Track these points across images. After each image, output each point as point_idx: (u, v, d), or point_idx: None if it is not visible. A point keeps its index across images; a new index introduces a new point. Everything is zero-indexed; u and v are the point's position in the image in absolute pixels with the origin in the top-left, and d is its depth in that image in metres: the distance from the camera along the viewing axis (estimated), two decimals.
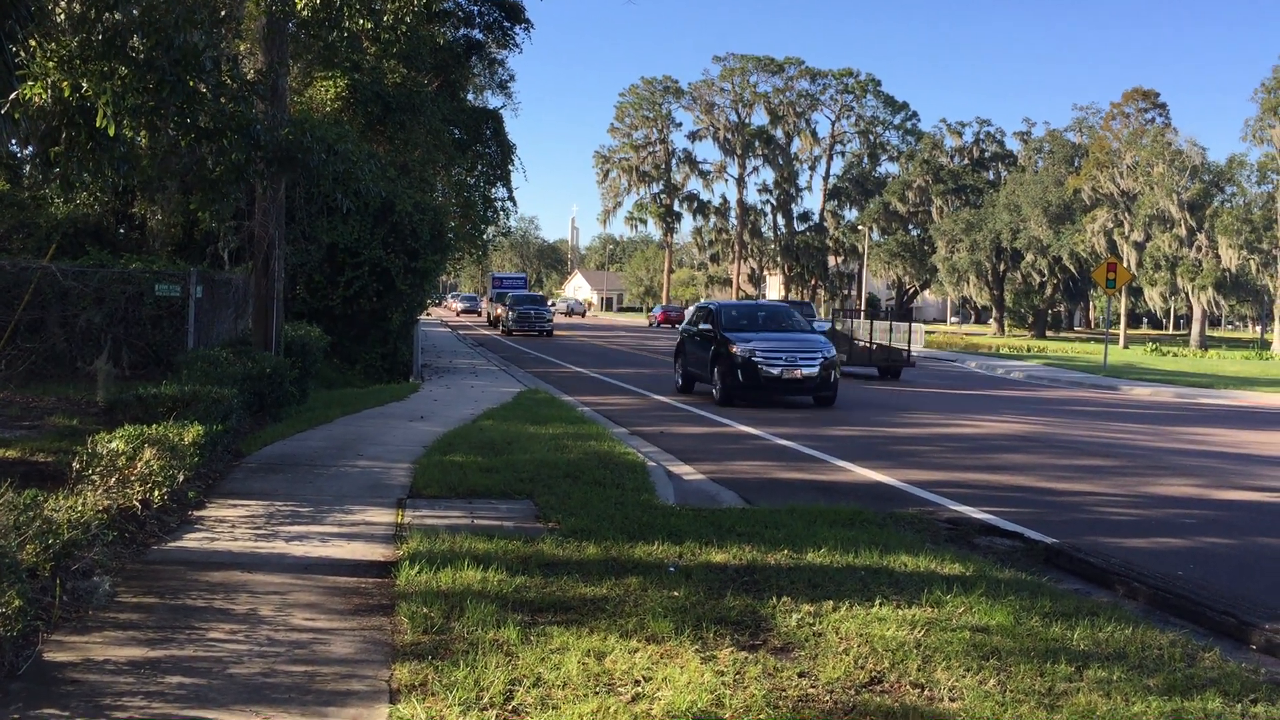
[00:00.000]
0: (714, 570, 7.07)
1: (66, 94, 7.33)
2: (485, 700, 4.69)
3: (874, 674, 5.21)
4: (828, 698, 4.89)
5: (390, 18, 9.42)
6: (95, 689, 4.72)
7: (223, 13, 15.00)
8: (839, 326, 31.49)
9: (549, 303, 59.89)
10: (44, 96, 7.37)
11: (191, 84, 7.62)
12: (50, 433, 11.59)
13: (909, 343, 29.26)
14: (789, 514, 8.96)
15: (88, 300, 16.59)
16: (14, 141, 14.52)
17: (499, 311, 58.12)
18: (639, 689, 4.90)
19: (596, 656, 5.28)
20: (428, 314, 49.25)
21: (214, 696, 4.70)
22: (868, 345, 29.40)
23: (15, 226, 22.57)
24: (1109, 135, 76.65)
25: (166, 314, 17.01)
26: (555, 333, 57.65)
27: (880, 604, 6.32)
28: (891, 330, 29.53)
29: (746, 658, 5.37)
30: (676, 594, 6.41)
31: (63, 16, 7.18)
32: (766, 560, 7.38)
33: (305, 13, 9.66)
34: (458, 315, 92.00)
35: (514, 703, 4.70)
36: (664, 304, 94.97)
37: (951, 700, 4.90)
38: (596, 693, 4.83)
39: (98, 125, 7.14)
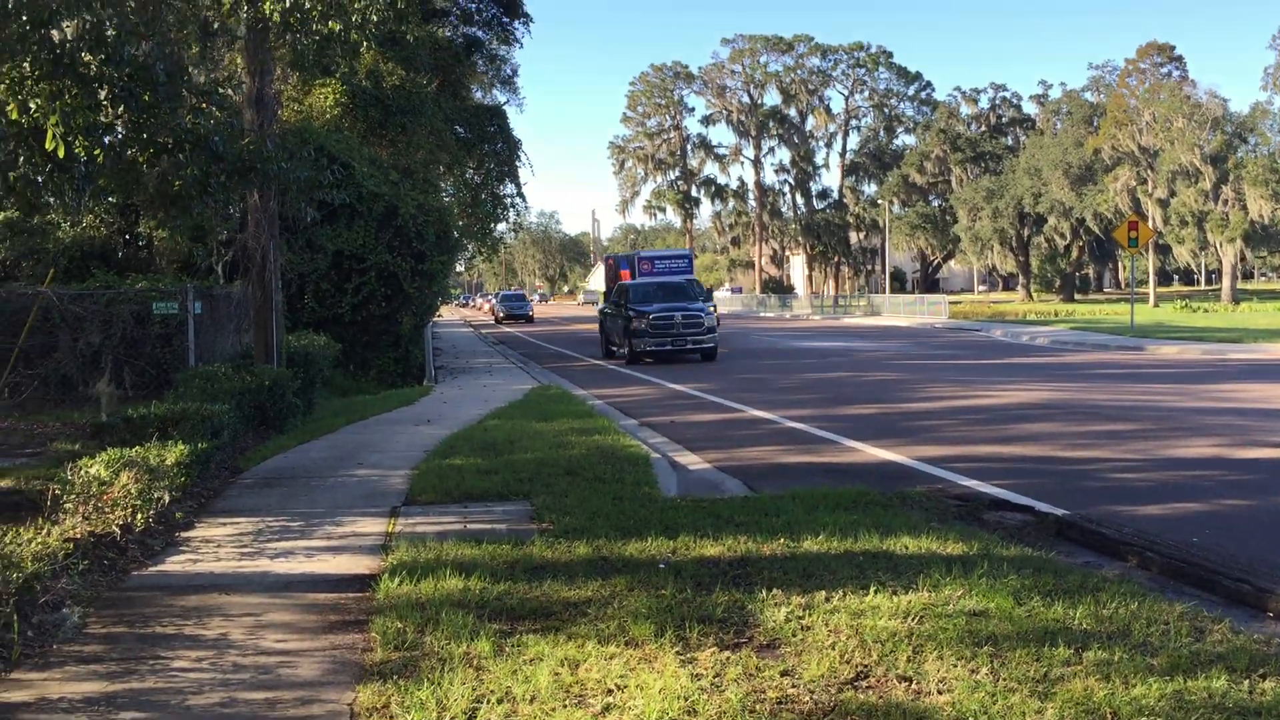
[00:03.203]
0: (706, 564, 6.82)
1: (15, 116, 7.17)
2: None
3: (860, 669, 4.95)
4: (808, 698, 4.64)
5: (358, 17, 9.20)
6: None
7: (215, 25, 14.92)
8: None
9: (706, 297, 33.59)
10: None
11: (146, 98, 7.44)
12: (50, 459, 11.48)
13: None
14: (791, 500, 8.71)
15: (91, 323, 16.53)
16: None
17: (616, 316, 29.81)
18: (610, 699, 4.68)
19: (571, 666, 5.05)
20: (439, 316, 46.73)
21: None
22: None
23: (24, 253, 22.64)
24: (1126, 93, 75.39)
25: (175, 332, 16.93)
26: (577, 325, 54.44)
27: (875, 591, 6.05)
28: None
29: (728, 658, 5.13)
30: (664, 592, 6.17)
31: (9, 32, 7.00)
32: (761, 551, 7.13)
33: (275, 17, 9.45)
34: (499, 321, 67.89)
35: None
36: None
37: (940, 693, 4.64)
38: (565, 705, 4.61)
39: (46, 146, 6.97)
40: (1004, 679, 4.74)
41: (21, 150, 7.47)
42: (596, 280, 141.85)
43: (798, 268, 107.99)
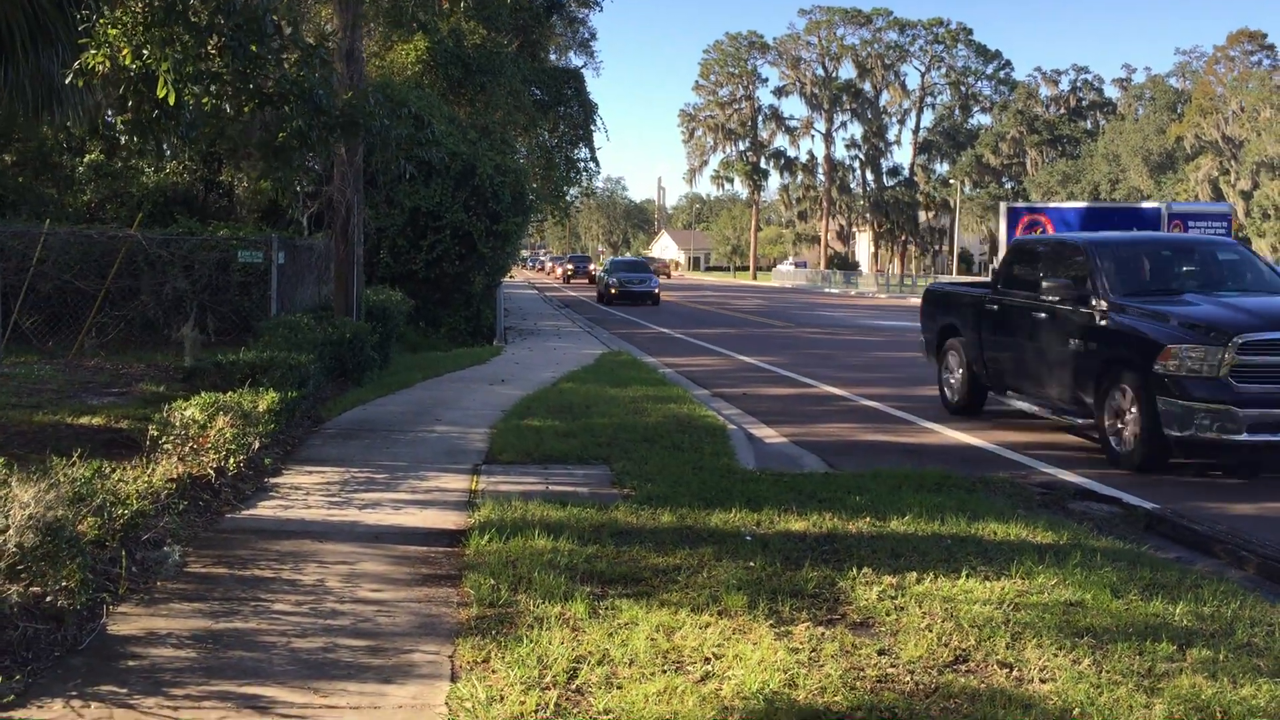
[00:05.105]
0: (792, 539, 6.81)
1: (128, 61, 7.29)
2: (548, 679, 4.51)
3: (959, 652, 4.92)
4: (908, 678, 4.62)
5: None
6: (156, 664, 4.66)
7: None
8: None
9: None
10: (106, 65, 7.35)
11: (253, 48, 7.52)
12: (136, 399, 11.74)
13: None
14: (873, 479, 8.66)
15: (175, 268, 16.81)
16: (110, 112, 14.74)
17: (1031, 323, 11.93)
18: (709, 667, 4.69)
19: (666, 632, 5.07)
20: (511, 277, 46.01)
21: (273, 672, 4.61)
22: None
23: (109, 196, 23.10)
24: (1213, 80, 73.61)
25: (254, 280, 17.18)
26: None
27: (967, 575, 6.00)
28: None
29: (823, 633, 5.12)
30: (752, 564, 6.17)
31: None
32: (847, 528, 7.10)
33: None
34: (607, 298, 44.42)
35: (578, 682, 4.52)
36: (750, 263, 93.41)
37: (1043, 682, 4.59)
38: (664, 671, 4.63)
39: (158, 94, 7.09)
40: (1107, 671, 4.68)
41: (131, 96, 7.60)
42: (659, 248, 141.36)
43: (863, 244, 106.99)
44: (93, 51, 7.38)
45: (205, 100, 7.55)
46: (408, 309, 18.59)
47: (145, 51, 7.25)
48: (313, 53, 8.25)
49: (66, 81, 7.75)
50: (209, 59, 7.45)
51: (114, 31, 7.31)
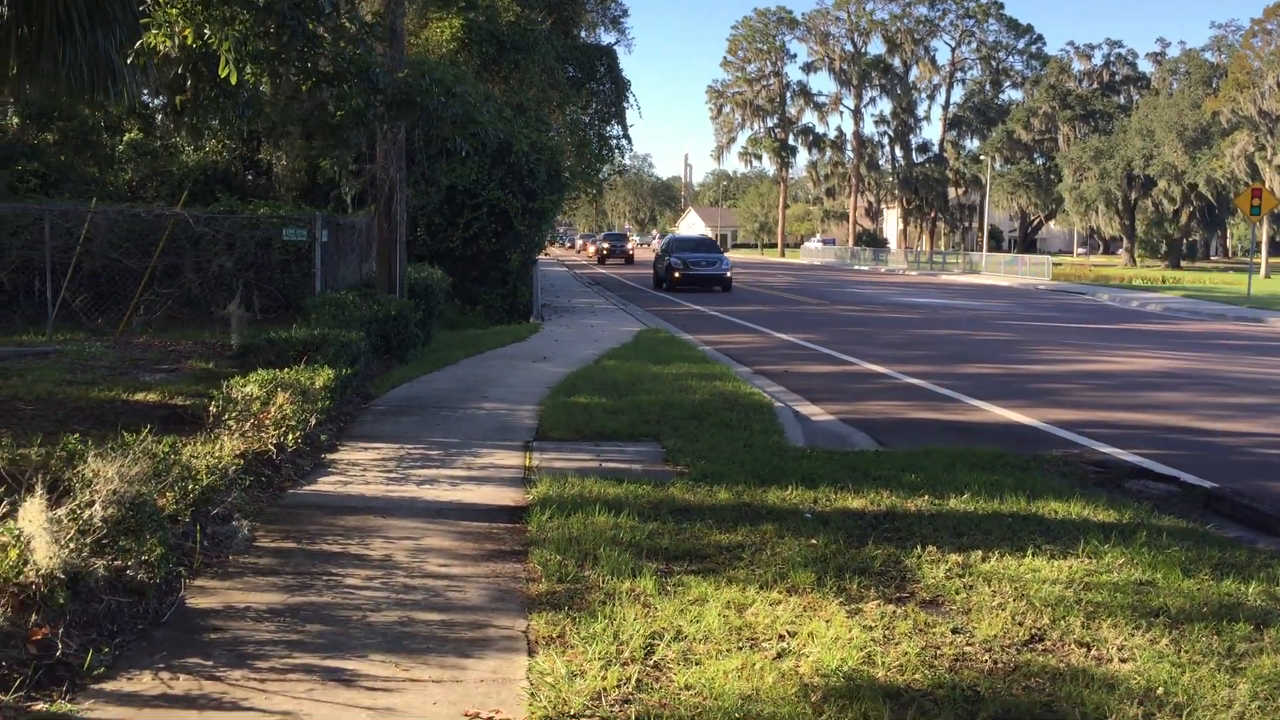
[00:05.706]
0: (852, 516, 6.81)
1: (190, 41, 7.32)
2: (626, 654, 4.54)
3: (1034, 631, 4.91)
4: (986, 657, 4.61)
5: None
6: (238, 637, 4.72)
7: None
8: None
9: None
10: (168, 44, 7.39)
11: (311, 27, 7.54)
12: (188, 376, 11.84)
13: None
14: (926, 456, 8.64)
15: (219, 246, 16.93)
16: (145, 91, 14.81)
17: None
18: (784, 644, 4.70)
19: (737, 609, 5.09)
20: (546, 254, 45.32)
21: (353, 645, 4.66)
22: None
23: (149, 174, 23.29)
24: (1250, 54, 72.37)
25: (294, 258, 17.29)
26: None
27: (1032, 554, 5.99)
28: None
29: (894, 611, 5.12)
30: (814, 542, 6.18)
31: None
32: (906, 506, 7.09)
33: None
34: (668, 282, 36.88)
35: (655, 657, 4.55)
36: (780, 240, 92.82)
37: (1123, 661, 4.58)
38: (740, 648, 4.64)
39: (220, 74, 7.12)
40: (1187, 651, 4.66)
41: (190, 75, 7.64)
42: (686, 225, 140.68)
43: (892, 221, 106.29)
44: (154, 31, 7.42)
45: (265, 79, 7.58)
46: (446, 286, 18.63)
47: (207, 30, 7.28)
48: (370, 31, 8.25)
49: (129, 62, 7.81)
50: (268, 37, 7.46)
51: (174, 11, 7.35)
